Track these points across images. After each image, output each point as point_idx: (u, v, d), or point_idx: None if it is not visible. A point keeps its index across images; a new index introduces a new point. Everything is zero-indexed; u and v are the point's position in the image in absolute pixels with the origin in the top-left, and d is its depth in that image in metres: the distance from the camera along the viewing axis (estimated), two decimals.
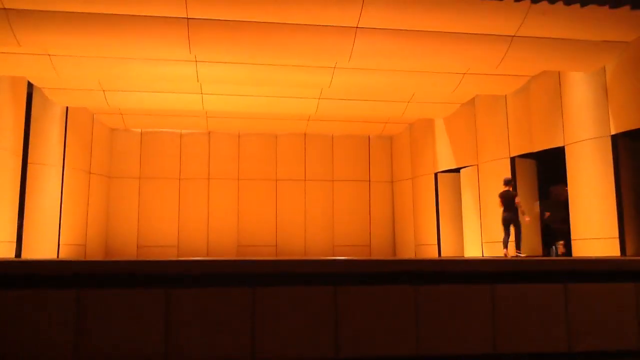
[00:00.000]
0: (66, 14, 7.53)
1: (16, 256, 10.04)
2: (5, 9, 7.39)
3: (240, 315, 4.38)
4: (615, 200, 8.64)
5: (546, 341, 4.72)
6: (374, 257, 14.25)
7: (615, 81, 8.78)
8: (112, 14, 7.57)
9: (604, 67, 8.97)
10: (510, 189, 9.95)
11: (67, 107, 11.80)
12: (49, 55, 9.02)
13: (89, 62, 9.31)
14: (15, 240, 10.07)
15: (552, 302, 4.78)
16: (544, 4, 7.56)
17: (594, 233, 8.91)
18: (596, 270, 5.02)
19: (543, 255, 10.60)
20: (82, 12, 7.52)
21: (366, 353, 4.49)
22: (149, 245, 13.67)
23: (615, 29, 8.21)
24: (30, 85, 10.67)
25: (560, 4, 7.52)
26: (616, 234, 8.57)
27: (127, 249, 13.55)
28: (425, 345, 4.56)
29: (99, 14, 7.55)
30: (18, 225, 10.25)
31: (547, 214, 10.26)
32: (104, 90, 11.01)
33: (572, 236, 9.35)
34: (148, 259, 5.21)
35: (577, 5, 7.53)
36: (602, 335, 4.78)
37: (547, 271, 4.96)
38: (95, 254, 12.74)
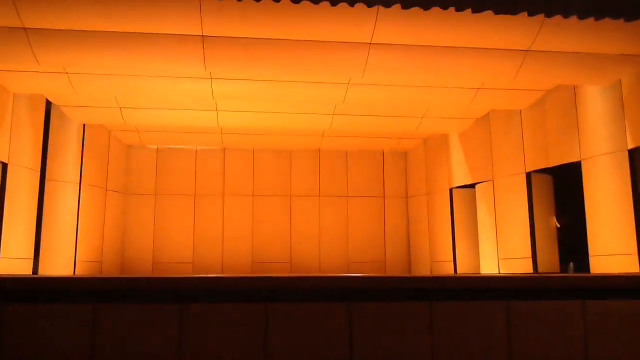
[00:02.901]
0: (85, 33, 7.64)
1: (33, 273, 10.11)
2: (25, 28, 7.54)
3: (253, 332, 4.37)
4: (633, 216, 8.52)
5: (563, 358, 4.65)
6: (389, 273, 14.15)
7: (631, 94, 8.69)
8: (130, 32, 7.68)
9: (620, 81, 8.90)
10: None
11: (84, 124, 11.96)
12: (67, 73, 9.17)
13: (106, 80, 9.45)
14: (32, 257, 10.16)
15: (569, 319, 4.72)
16: (558, 18, 7.53)
17: (612, 249, 8.77)
18: (614, 287, 4.95)
19: (561, 272, 10.46)
20: (101, 31, 7.63)
21: None
22: (165, 261, 13.72)
23: (631, 42, 8.12)
24: (48, 103, 10.83)
25: (574, 18, 7.47)
26: (634, 250, 8.42)
27: (143, 265, 13.60)
28: None
29: (117, 32, 7.66)
30: (35, 242, 10.33)
31: None
32: (120, 107, 11.15)
33: (590, 252, 9.22)
34: (163, 276, 5.24)
35: (592, 19, 7.47)
36: (619, 353, 4.70)
37: (564, 288, 4.90)
38: (111, 271, 12.80)
